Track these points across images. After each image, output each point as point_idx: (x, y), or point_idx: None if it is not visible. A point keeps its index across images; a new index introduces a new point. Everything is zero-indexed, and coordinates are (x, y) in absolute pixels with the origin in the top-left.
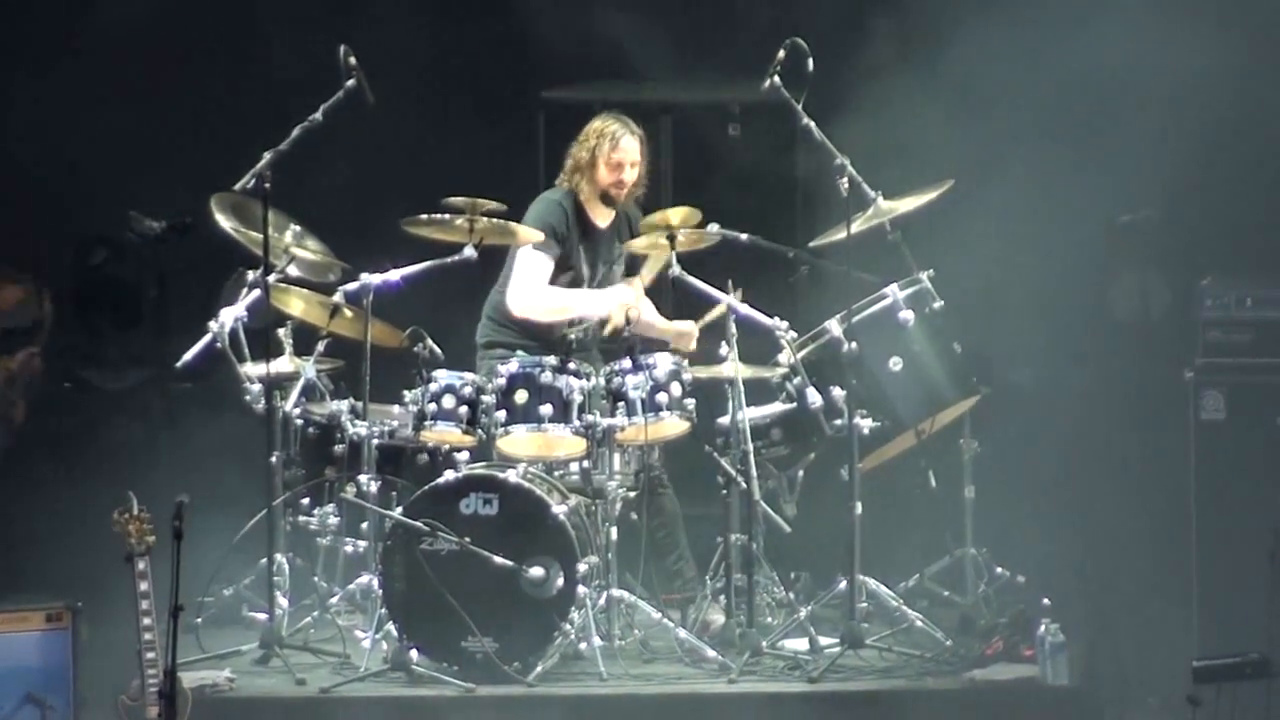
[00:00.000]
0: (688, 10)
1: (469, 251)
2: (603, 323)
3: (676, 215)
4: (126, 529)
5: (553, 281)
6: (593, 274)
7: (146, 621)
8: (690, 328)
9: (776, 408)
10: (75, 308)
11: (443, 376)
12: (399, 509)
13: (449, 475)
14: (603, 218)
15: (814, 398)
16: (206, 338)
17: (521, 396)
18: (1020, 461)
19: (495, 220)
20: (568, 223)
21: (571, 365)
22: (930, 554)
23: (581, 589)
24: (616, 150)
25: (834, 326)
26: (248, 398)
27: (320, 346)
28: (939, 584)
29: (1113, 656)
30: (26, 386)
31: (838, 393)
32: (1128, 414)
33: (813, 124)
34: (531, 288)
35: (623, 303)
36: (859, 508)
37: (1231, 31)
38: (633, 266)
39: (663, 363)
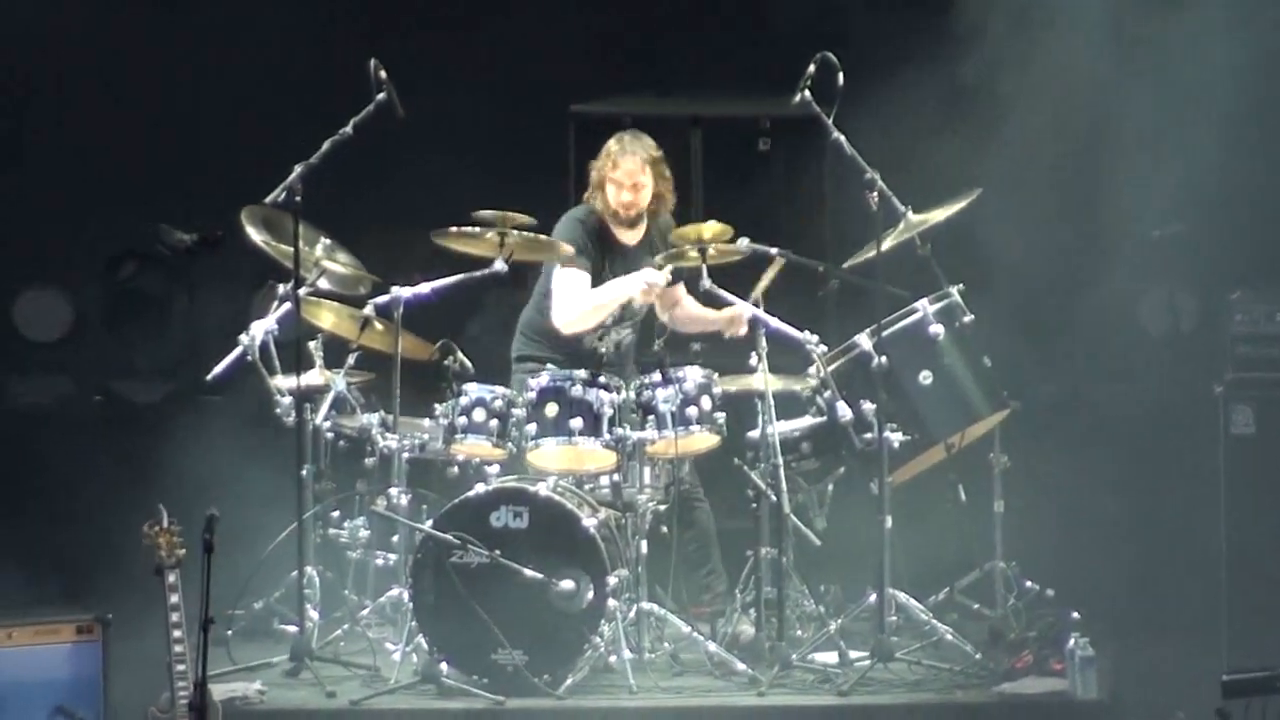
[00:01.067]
0: (718, 23)
1: (499, 265)
2: (640, 338)
3: (708, 230)
4: (157, 542)
5: None
6: None
7: (177, 634)
8: (739, 310)
9: (806, 421)
10: (106, 321)
11: (473, 390)
12: (429, 522)
13: (479, 488)
14: (628, 234)
15: (844, 411)
16: (237, 350)
17: (552, 410)
18: (1050, 476)
19: (525, 233)
20: (588, 239)
21: (601, 379)
22: (960, 567)
23: (611, 602)
24: (615, 171)
25: (864, 340)
26: (278, 410)
27: (350, 359)
28: (969, 597)
29: (1142, 670)
30: None
31: (868, 406)
32: (1157, 428)
33: (843, 138)
34: (573, 300)
35: (647, 281)
36: (889, 521)
37: (1262, 46)
38: (674, 276)
39: (693, 376)
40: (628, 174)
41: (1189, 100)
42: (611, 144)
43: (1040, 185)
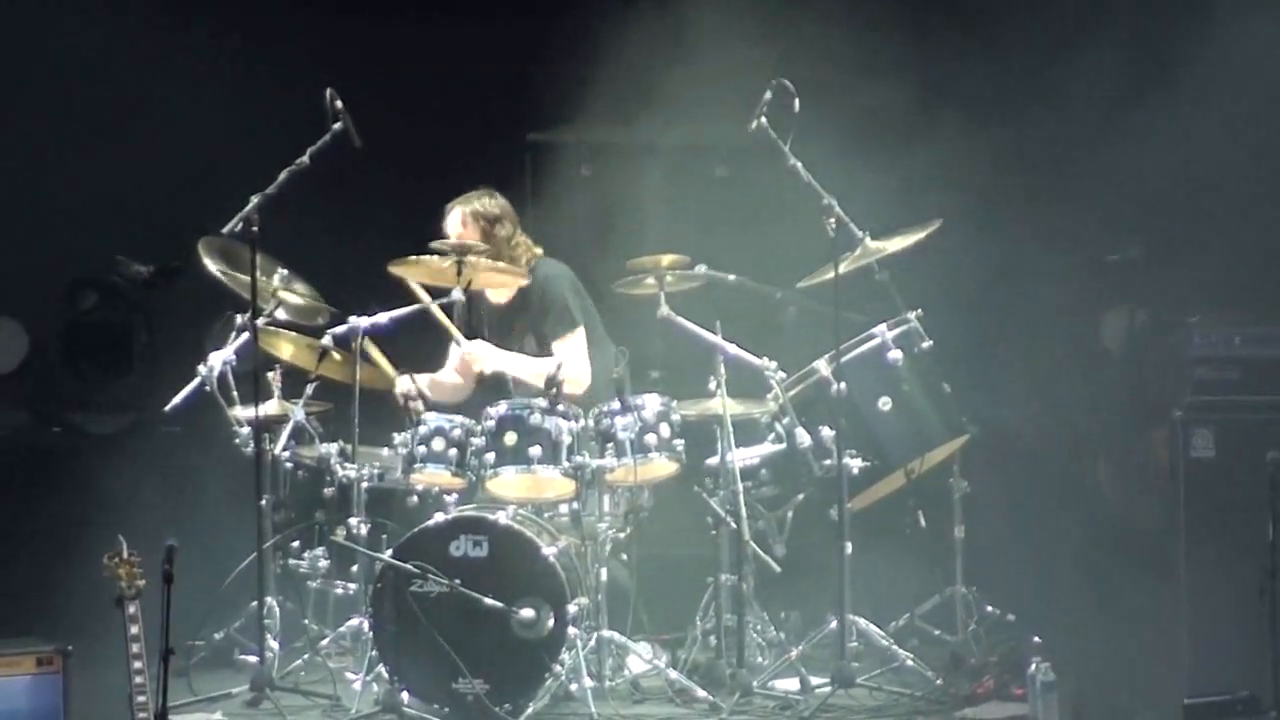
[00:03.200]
0: (675, 51)
1: (457, 294)
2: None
3: (665, 259)
4: (117, 573)
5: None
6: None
7: (137, 665)
8: (466, 349)
9: (766, 448)
10: (64, 352)
11: (431, 419)
12: (389, 551)
13: (438, 517)
14: (497, 296)
15: (803, 438)
16: (195, 381)
17: (511, 438)
18: (1010, 500)
19: (483, 262)
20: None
21: (560, 406)
22: (920, 593)
23: (572, 630)
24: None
25: (822, 366)
26: (237, 441)
27: (309, 389)
28: (929, 623)
29: (1104, 695)
30: None
31: (826, 433)
32: (1117, 452)
33: (799, 165)
34: None
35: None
36: (849, 547)
37: (1215, 73)
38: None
39: (651, 404)
40: (446, 228)
41: (1149, 122)
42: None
43: (998, 211)
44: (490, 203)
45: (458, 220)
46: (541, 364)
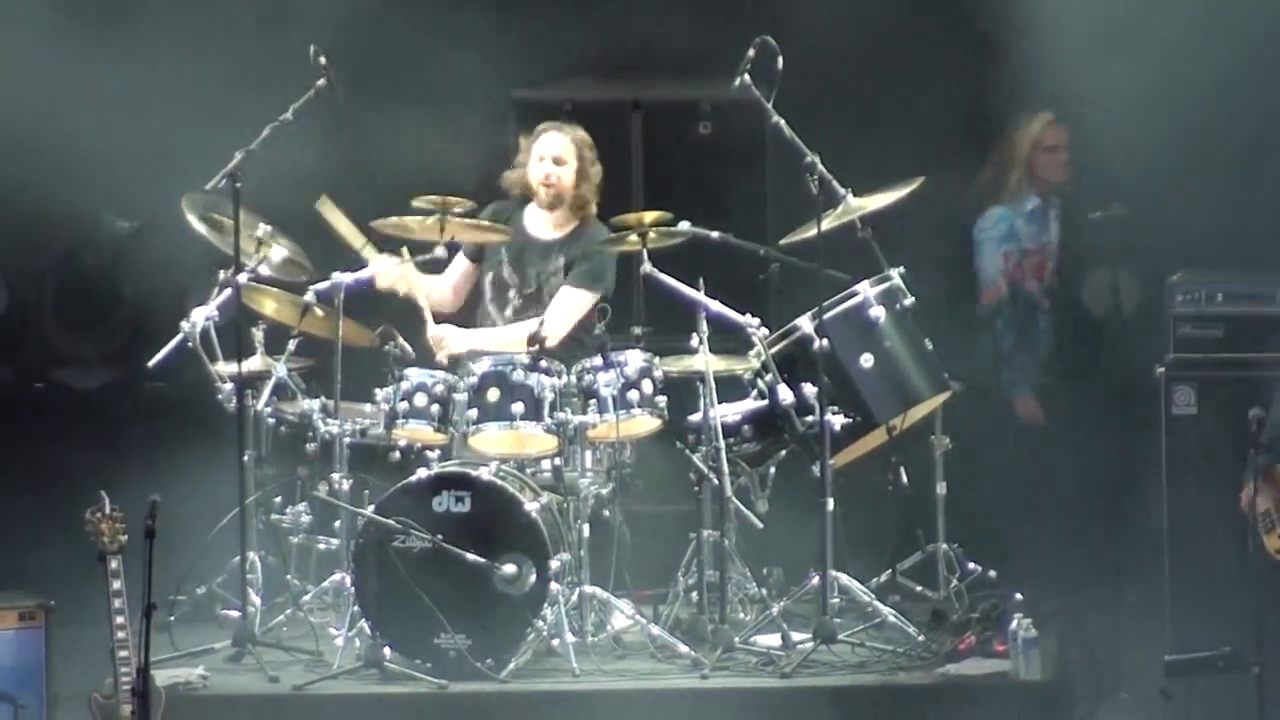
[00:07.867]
0: (658, 7)
1: (439, 250)
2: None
3: (648, 215)
4: (99, 528)
5: (474, 281)
6: (522, 283)
7: (119, 620)
8: (437, 334)
9: (748, 405)
10: (50, 307)
11: (414, 374)
12: (371, 507)
13: (421, 473)
14: (544, 229)
15: (785, 395)
16: (178, 337)
17: (493, 394)
18: (991, 457)
19: (465, 219)
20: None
21: (543, 363)
22: (902, 549)
23: (554, 585)
24: (537, 143)
25: (805, 323)
26: (219, 397)
27: (291, 345)
28: (911, 579)
29: (1085, 651)
30: None
31: (809, 390)
32: (1099, 409)
33: (782, 121)
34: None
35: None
36: (831, 504)
37: (1204, 30)
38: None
39: (634, 360)
40: (549, 146)
41: (1131, 81)
42: (539, 127)
43: (979, 167)
44: (584, 133)
45: (559, 144)
46: (513, 331)
